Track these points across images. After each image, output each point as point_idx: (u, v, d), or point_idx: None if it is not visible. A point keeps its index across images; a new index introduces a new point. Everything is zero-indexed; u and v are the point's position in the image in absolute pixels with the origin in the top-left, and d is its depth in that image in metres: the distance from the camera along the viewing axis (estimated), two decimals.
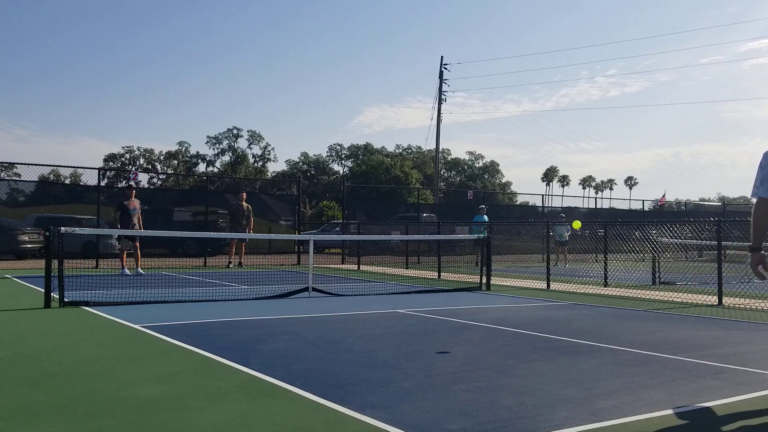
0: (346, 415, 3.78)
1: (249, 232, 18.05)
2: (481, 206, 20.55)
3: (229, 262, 18.18)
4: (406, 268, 19.20)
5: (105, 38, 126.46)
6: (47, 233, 8.84)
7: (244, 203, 18.02)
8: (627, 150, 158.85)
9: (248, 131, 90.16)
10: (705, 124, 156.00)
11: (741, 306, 9.89)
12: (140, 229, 14.81)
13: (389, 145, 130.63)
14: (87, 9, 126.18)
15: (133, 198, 14.90)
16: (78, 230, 10.76)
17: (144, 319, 7.50)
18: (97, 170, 18.98)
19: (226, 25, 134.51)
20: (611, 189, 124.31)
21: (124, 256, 14.97)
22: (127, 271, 14.51)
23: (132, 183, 17.23)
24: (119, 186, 47.93)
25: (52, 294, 8.64)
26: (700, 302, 10.18)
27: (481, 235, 14.29)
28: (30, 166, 18.22)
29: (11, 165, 33.30)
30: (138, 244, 14.98)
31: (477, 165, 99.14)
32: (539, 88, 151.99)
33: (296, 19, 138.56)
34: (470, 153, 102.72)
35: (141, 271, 14.75)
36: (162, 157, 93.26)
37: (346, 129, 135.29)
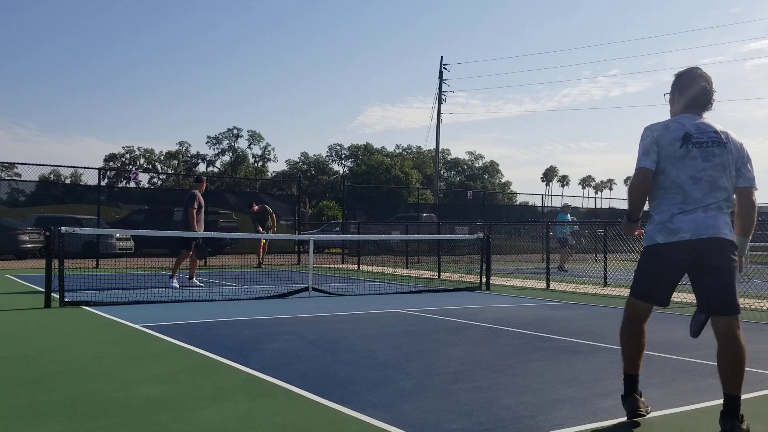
0: (346, 415, 3.78)
1: (274, 229, 18.48)
2: (566, 204, 20.10)
3: (259, 263, 18.39)
4: (406, 268, 19.21)
5: (105, 38, 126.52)
6: (48, 233, 8.84)
7: (256, 208, 18.21)
8: (628, 150, 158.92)
9: (248, 131, 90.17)
10: None
11: (740, 306, 9.86)
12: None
13: (390, 144, 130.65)
14: (87, 9, 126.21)
15: (202, 193, 11.94)
16: (78, 230, 10.75)
17: (144, 319, 7.50)
18: (97, 170, 19.00)
19: (227, 25, 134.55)
20: (611, 189, 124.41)
21: (195, 263, 12.12)
22: (198, 281, 11.90)
23: (203, 177, 13.53)
24: (119, 186, 47.96)
25: (52, 294, 8.64)
26: None
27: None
28: (30, 166, 18.30)
29: (12, 165, 33.36)
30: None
31: (477, 165, 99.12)
32: (541, 88, 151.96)
33: (297, 19, 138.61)
34: (470, 153, 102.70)
35: (197, 281, 12.06)
36: (162, 157, 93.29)
37: (347, 129, 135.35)
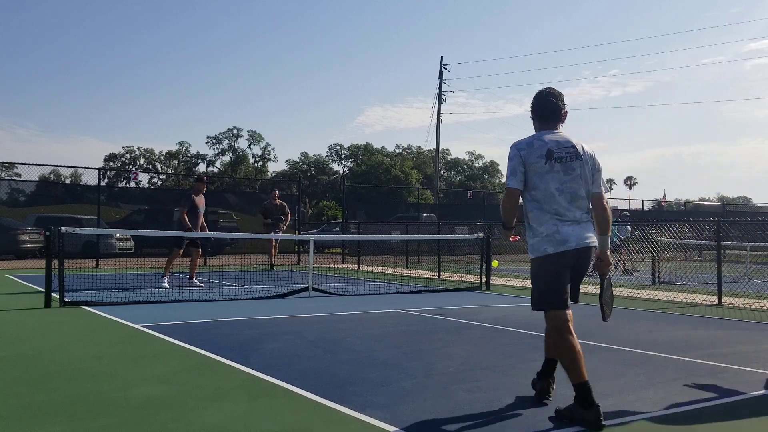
0: (346, 415, 3.78)
1: (284, 227, 17.28)
2: (620, 211, 19.84)
3: (272, 265, 17.27)
4: (406, 267, 19.21)
5: (105, 38, 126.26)
6: (48, 233, 8.84)
7: (277, 201, 16.83)
8: (628, 150, 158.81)
9: (248, 131, 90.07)
10: (706, 124, 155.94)
11: (741, 306, 9.89)
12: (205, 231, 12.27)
13: (390, 144, 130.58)
14: (87, 9, 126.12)
15: (202, 193, 12.16)
16: (78, 230, 10.75)
17: (144, 319, 7.50)
18: (97, 170, 19.00)
19: (227, 25, 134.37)
20: (611, 189, 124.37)
21: (196, 264, 12.40)
22: (198, 281, 12.22)
23: (204, 177, 13.15)
24: (119, 186, 47.98)
25: (52, 294, 8.64)
26: (699, 302, 10.18)
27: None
28: (30, 166, 18.28)
29: (12, 165, 33.34)
30: (200, 250, 12.60)
31: (477, 165, 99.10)
32: (541, 88, 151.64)
33: (297, 19, 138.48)
34: (470, 153, 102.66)
35: (197, 281, 12.25)
36: (162, 157, 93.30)
37: (347, 129, 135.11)
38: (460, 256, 19.95)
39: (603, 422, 3.62)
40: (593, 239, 4.00)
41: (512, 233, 4.40)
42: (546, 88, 4.20)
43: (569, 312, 3.96)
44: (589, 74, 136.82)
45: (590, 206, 4.04)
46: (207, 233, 12.48)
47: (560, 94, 4.16)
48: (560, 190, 3.93)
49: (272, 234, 16.32)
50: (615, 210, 19.18)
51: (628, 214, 23.51)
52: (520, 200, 4.12)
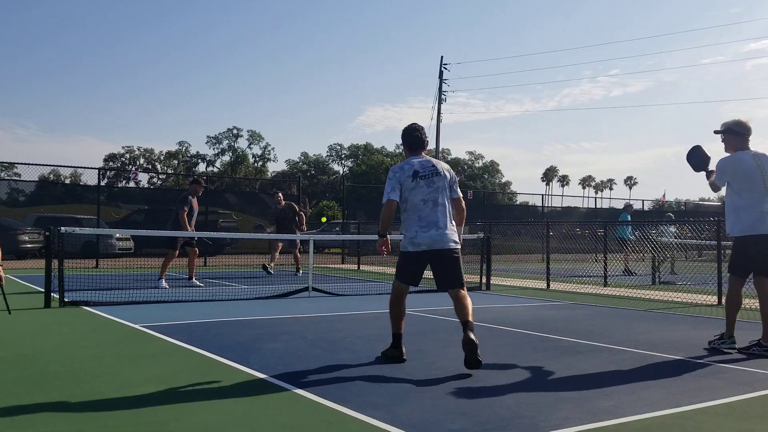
0: (346, 415, 3.78)
1: (304, 229, 16.26)
2: (628, 204, 18.85)
3: (266, 266, 15.62)
4: None
5: (105, 38, 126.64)
6: (47, 233, 8.84)
7: (282, 203, 15.49)
8: (628, 150, 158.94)
9: (248, 131, 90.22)
10: (706, 124, 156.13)
11: (740, 306, 9.87)
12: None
13: (390, 144, 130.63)
14: (87, 9, 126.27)
15: (197, 195, 12.11)
16: (78, 230, 10.75)
17: (144, 319, 7.50)
18: (97, 170, 19.01)
19: (227, 25, 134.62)
20: (611, 189, 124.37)
21: (194, 264, 12.43)
22: (197, 282, 12.18)
23: (201, 179, 12.93)
24: (119, 186, 47.95)
25: (52, 294, 8.64)
26: (699, 302, 10.17)
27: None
28: (30, 166, 18.27)
29: (11, 165, 33.35)
30: (197, 249, 12.48)
31: (477, 165, 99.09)
32: (542, 88, 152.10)
33: (297, 19, 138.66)
34: (470, 153, 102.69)
35: (197, 281, 12.21)
36: (162, 157, 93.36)
37: (347, 129, 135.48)
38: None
39: (404, 358, 5.37)
40: (450, 242, 5.25)
41: (385, 241, 5.38)
42: (411, 125, 5.54)
43: (408, 289, 5.44)
44: (589, 74, 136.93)
45: (446, 209, 5.29)
46: (200, 233, 12.59)
47: (422, 128, 5.56)
48: (424, 200, 5.24)
49: (270, 234, 16.09)
50: (629, 206, 18.71)
51: (672, 215, 22.39)
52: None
